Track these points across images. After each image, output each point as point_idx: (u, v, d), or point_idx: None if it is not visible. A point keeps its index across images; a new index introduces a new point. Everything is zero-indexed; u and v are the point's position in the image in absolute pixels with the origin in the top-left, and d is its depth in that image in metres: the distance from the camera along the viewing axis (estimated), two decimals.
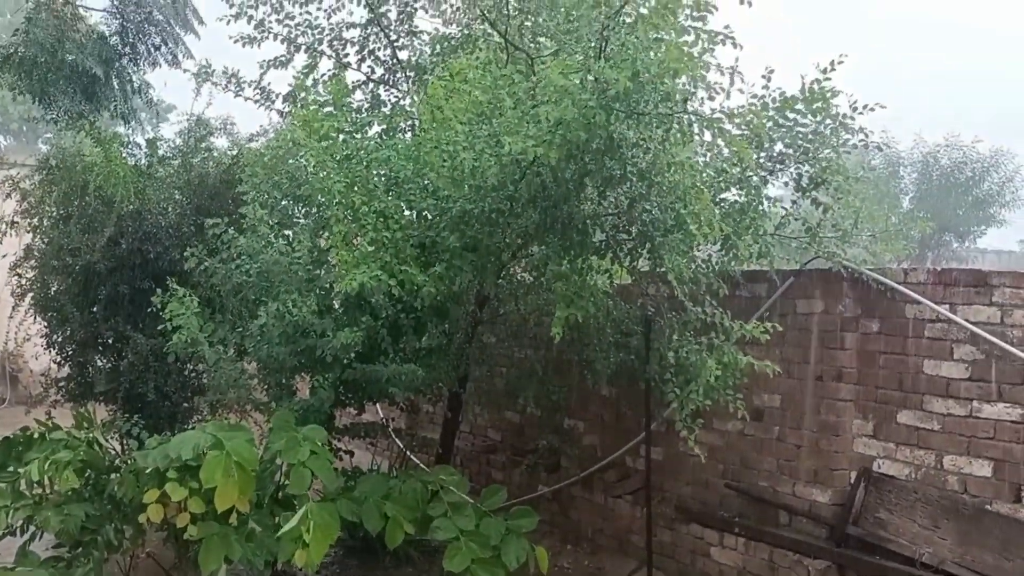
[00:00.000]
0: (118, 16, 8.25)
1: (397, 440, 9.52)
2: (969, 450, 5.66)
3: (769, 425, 6.75)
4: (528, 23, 6.20)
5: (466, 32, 6.87)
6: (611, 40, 4.77)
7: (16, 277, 8.66)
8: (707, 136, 5.10)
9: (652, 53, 4.58)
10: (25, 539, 6.20)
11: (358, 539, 7.33)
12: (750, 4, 4.78)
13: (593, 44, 4.84)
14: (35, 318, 8.68)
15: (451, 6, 7.10)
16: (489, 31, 6.15)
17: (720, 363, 5.62)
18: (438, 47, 6.96)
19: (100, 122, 8.45)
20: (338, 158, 5.65)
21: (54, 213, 8.49)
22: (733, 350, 5.77)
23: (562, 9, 5.40)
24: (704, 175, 5.14)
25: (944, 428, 5.79)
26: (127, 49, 8.29)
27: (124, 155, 8.38)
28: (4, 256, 8.85)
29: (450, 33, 7.10)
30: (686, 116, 4.85)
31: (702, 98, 5.11)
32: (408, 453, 9.40)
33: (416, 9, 7.27)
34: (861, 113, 5.58)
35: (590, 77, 4.59)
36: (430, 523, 6.19)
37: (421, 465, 8.72)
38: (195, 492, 5.58)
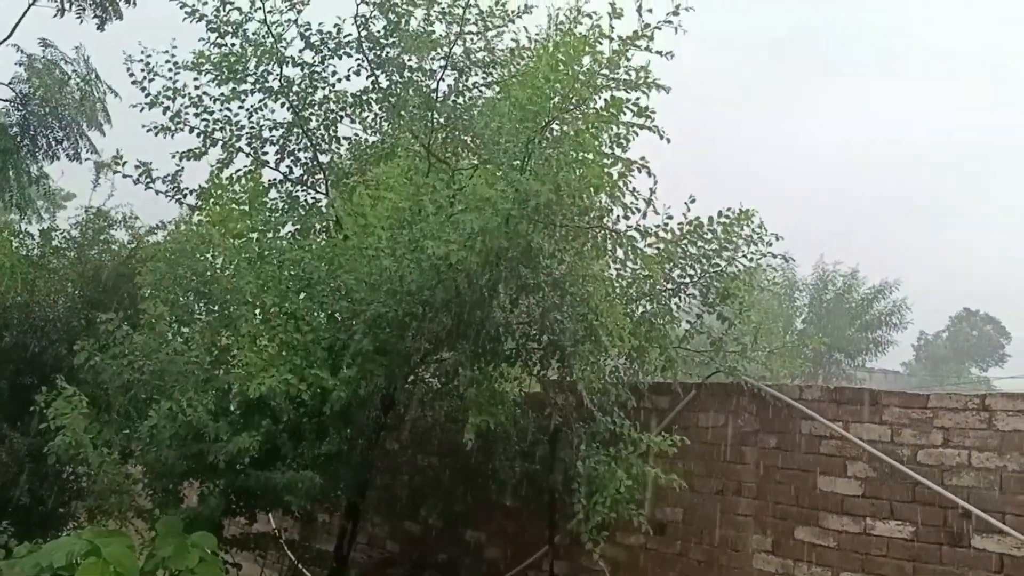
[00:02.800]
0: (20, 108, 8.06)
1: (289, 553, 9.04)
2: (864, 567, 5.77)
3: (671, 539, 6.75)
4: (449, 137, 6.37)
5: (388, 141, 6.98)
6: (535, 155, 4.95)
7: None
8: (620, 252, 5.28)
9: (573, 170, 4.77)
10: None
11: None
12: (668, 140, 5.11)
13: (517, 157, 5.00)
14: None
15: (373, 114, 7.22)
16: (411, 140, 6.28)
17: (629, 475, 5.64)
18: (359, 153, 7.04)
19: None
20: (251, 257, 5.56)
21: None
22: (640, 462, 5.81)
23: (491, 125, 5.58)
24: (616, 287, 5.29)
25: (840, 545, 5.91)
26: (27, 141, 8.07)
27: (15, 245, 8.03)
28: None
29: (372, 140, 7.21)
30: (602, 231, 5.02)
31: (617, 216, 5.32)
32: (300, 566, 8.91)
33: (340, 117, 7.36)
34: (770, 244, 5.96)
35: (512, 188, 4.73)
36: None
37: None
38: None
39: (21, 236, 8.37)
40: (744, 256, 5.97)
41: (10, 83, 8.08)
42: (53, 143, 8.42)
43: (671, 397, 6.81)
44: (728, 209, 5.76)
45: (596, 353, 5.26)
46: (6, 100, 8.09)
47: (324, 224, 7.02)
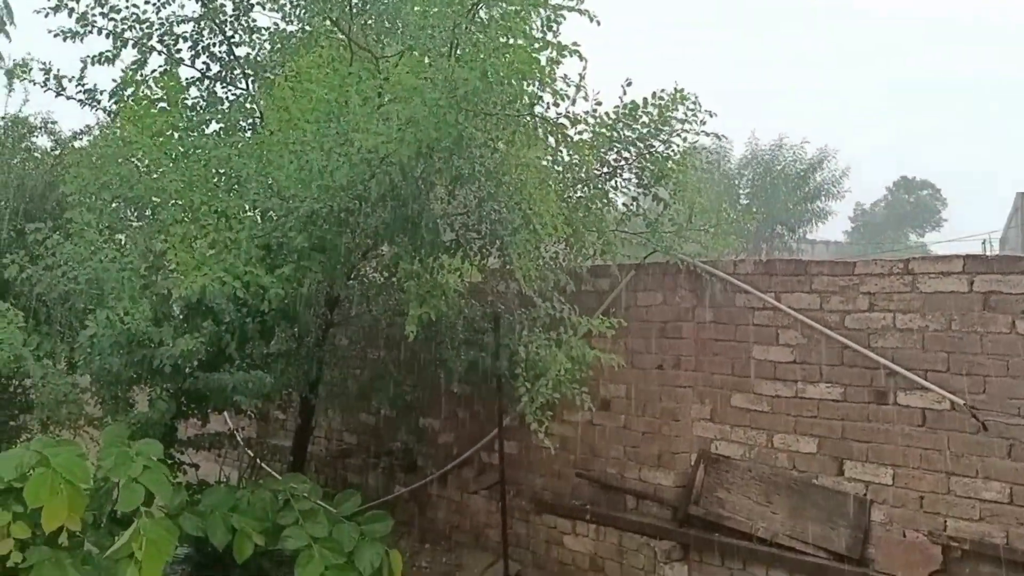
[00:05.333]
0: None
1: (247, 450, 9.20)
2: (796, 428, 6.10)
3: (616, 414, 7.03)
4: (372, 23, 6.15)
5: (307, 29, 6.72)
6: (462, 41, 4.83)
7: None
8: (551, 140, 5.25)
9: (502, 56, 4.67)
10: None
11: (206, 554, 7.03)
12: (599, 23, 5.00)
13: (444, 44, 4.88)
14: None
15: (289, 2, 6.91)
16: (332, 29, 6.06)
17: (569, 357, 5.80)
18: (278, 44, 6.77)
19: None
20: (174, 156, 5.41)
21: None
22: (581, 344, 5.97)
23: (415, 8, 5.40)
24: (550, 175, 5.29)
25: (773, 409, 6.21)
26: None
27: None
28: None
29: (290, 30, 6.92)
30: (532, 119, 4.98)
31: (548, 103, 5.26)
32: (259, 462, 9.10)
33: (253, 4, 7.02)
34: (703, 122, 5.96)
35: (440, 76, 4.63)
36: (280, 533, 6.04)
37: (273, 474, 8.47)
38: (20, 516, 5.19)
39: None
40: (678, 136, 5.98)
41: None
42: None
43: (610, 279, 6.95)
44: (662, 90, 5.73)
45: (533, 241, 5.30)
46: None
47: (250, 121, 6.82)
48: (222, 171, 5.71)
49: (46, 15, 6.81)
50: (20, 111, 8.25)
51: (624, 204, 6.56)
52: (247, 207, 5.77)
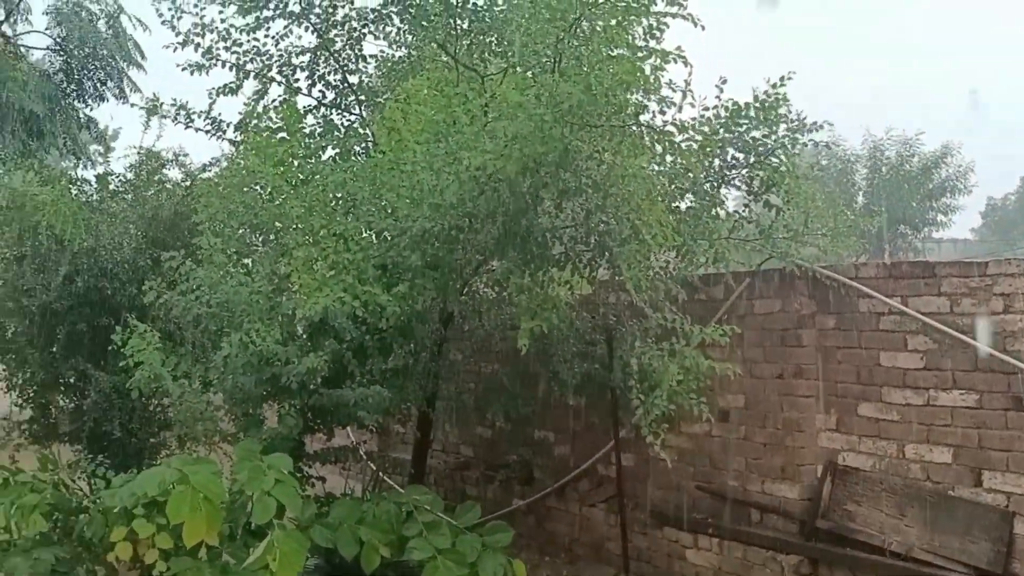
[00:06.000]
0: (61, 53, 8.15)
1: (370, 463, 9.47)
2: (929, 438, 5.80)
3: (735, 425, 6.86)
4: (476, 43, 6.27)
5: (414, 54, 6.91)
6: (565, 55, 4.87)
7: None
8: (658, 148, 5.20)
9: (606, 68, 4.68)
10: None
11: (335, 565, 7.27)
12: (703, 27, 4.94)
13: (547, 59, 4.93)
14: None
15: (397, 29, 7.13)
16: (438, 52, 6.21)
17: (682, 368, 5.71)
18: (387, 70, 6.99)
19: (49, 159, 8.35)
20: (294, 183, 5.66)
21: (7, 255, 8.36)
22: (694, 354, 5.86)
23: (518, 26, 5.47)
24: (657, 185, 5.24)
25: (903, 418, 5.93)
26: (72, 86, 8.18)
27: (74, 192, 8.29)
28: None
29: (398, 56, 7.14)
30: (638, 128, 4.95)
31: (654, 112, 5.23)
32: (381, 475, 9.35)
33: (364, 34, 7.29)
34: (810, 131, 5.76)
35: (544, 91, 4.68)
36: (405, 544, 6.17)
37: (395, 486, 8.69)
38: (163, 528, 5.50)
39: (79, 183, 8.59)
40: (786, 141, 5.80)
41: (46, 29, 8.15)
42: (98, 85, 8.50)
43: (724, 288, 6.80)
44: (765, 91, 5.57)
45: (642, 251, 5.25)
46: (45, 48, 8.19)
47: (363, 145, 7.06)
48: (339, 195, 5.93)
49: (174, 50, 7.27)
50: (154, 145, 8.81)
51: (736, 211, 6.42)
52: (363, 229, 5.96)
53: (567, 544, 8.21)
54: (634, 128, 5.00)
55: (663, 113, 5.24)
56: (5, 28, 7.94)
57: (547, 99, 4.68)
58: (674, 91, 5.23)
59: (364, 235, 5.98)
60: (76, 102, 8.39)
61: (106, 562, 5.81)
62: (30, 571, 5.80)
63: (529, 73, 4.97)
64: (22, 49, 8.14)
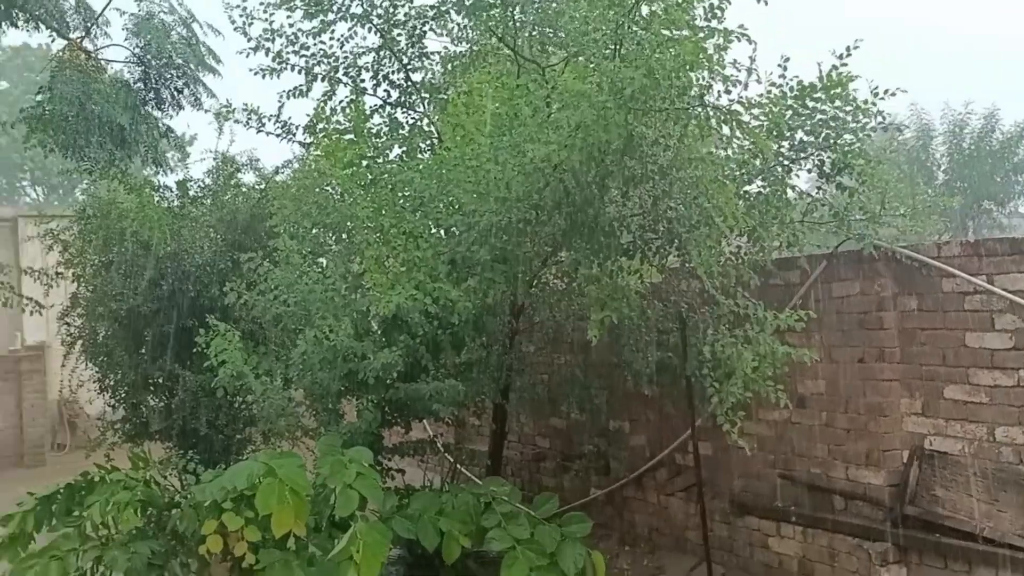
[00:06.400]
0: (139, 64, 8.43)
1: (448, 456, 9.59)
2: (1021, 420, 5.57)
3: (816, 411, 6.71)
4: (536, 33, 6.25)
5: (475, 48, 6.94)
6: (626, 40, 4.81)
7: (65, 326, 8.90)
8: (725, 130, 5.10)
9: (667, 50, 4.60)
10: None
11: (417, 556, 7.39)
12: (766, 2, 4.82)
13: (607, 45, 4.88)
14: (86, 364, 8.91)
15: (457, 25, 7.17)
16: (498, 45, 6.21)
17: (757, 355, 5.60)
18: (449, 66, 7.04)
19: (131, 168, 8.66)
20: (363, 183, 5.75)
21: (95, 261, 8.73)
22: (770, 340, 5.75)
23: (576, 13, 5.43)
24: (726, 168, 5.14)
25: (993, 400, 5.71)
26: (151, 95, 8.46)
27: (156, 199, 8.59)
28: (52, 306, 9.10)
29: (459, 51, 7.18)
30: (703, 110, 4.86)
31: (719, 92, 5.12)
32: (459, 467, 9.46)
33: (424, 32, 7.36)
34: (882, 98, 5.53)
35: (606, 79, 4.64)
36: (485, 535, 6.24)
37: (473, 478, 8.78)
38: (251, 521, 5.68)
39: (160, 189, 8.91)
40: (855, 118, 5.59)
41: (125, 40, 8.44)
42: (175, 92, 8.76)
43: (800, 271, 6.65)
44: (833, 67, 5.38)
45: (713, 237, 5.16)
46: (123, 60, 8.49)
47: (428, 142, 7.13)
48: (406, 193, 5.99)
49: (247, 55, 7.47)
50: (228, 150, 9.06)
51: (808, 193, 6.23)
52: (432, 225, 6.03)
53: (646, 534, 8.17)
54: (699, 110, 4.90)
55: (728, 93, 5.12)
56: (86, 43, 8.22)
57: (609, 86, 4.64)
58: (738, 70, 5.10)
59: (433, 232, 6.04)
60: (155, 110, 8.65)
61: (198, 555, 6.04)
62: (128, 564, 6.07)
63: (590, 63, 4.92)
64: (103, 62, 8.42)
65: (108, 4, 8.60)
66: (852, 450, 6.47)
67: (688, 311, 6.56)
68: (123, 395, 8.85)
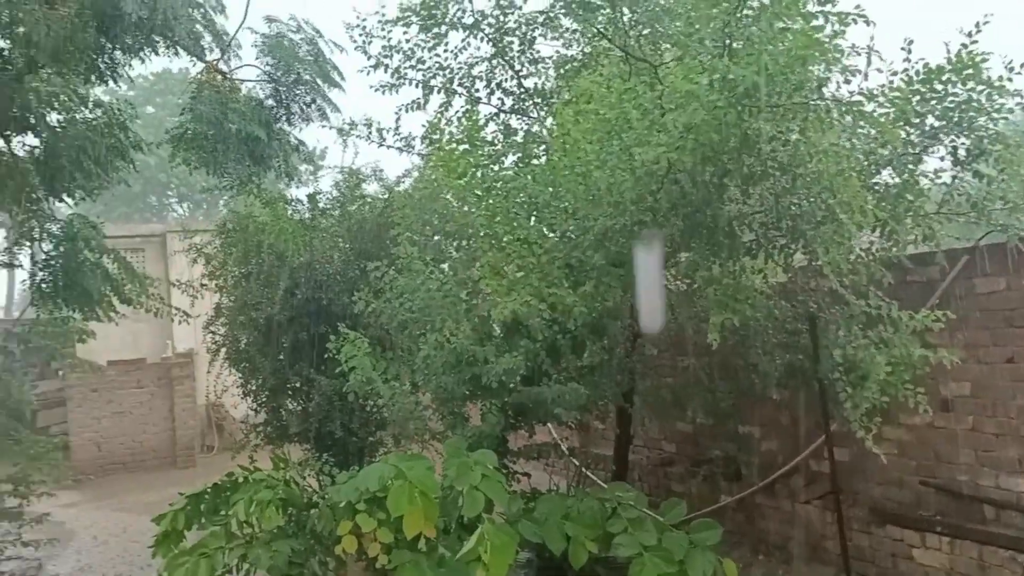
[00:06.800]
0: (270, 81, 8.83)
1: (574, 459, 9.56)
2: None
3: (961, 415, 6.28)
4: (647, 32, 6.13)
5: (587, 51, 6.90)
6: (735, 36, 4.65)
7: (210, 334, 9.46)
8: (848, 120, 4.83)
9: (779, 44, 4.41)
10: None
11: (545, 559, 7.41)
12: None
13: (716, 43, 4.73)
14: (229, 370, 9.43)
15: (568, 29, 7.15)
16: (610, 47, 6.14)
17: (892, 358, 5.28)
18: (561, 70, 7.03)
19: (266, 182, 9.09)
20: (479, 192, 5.81)
21: (235, 272, 9.23)
22: (906, 342, 5.41)
23: (680, 12, 5.30)
24: (851, 160, 4.86)
25: None
26: (282, 111, 8.86)
27: (289, 212, 8.99)
28: (198, 316, 9.69)
29: (571, 55, 7.15)
30: (822, 103, 4.63)
31: (838, 82, 4.86)
32: (585, 471, 9.41)
33: (535, 37, 7.39)
34: (1019, 73, 5.07)
35: (716, 76, 4.49)
36: (611, 540, 6.18)
37: (599, 482, 8.72)
38: (384, 522, 5.85)
39: (292, 202, 9.33)
40: (990, 104, 5.15)
41: (256, 59, 8.87)
42: (303, 108, 9.12)
43: (938, 267, 6.23)
44: (964, 46, 4.98)
45: (841, 233, 4.89)
46: (255, 79, 8.90)
47: (543, 148, 7.13)
48: (520, 199, 6.01)
49: (367, 73, 7.72)
50: (353, 162, 9.40)
51: (943, 182, 5.81)
52: (546, 231, 6.02)
53: (781, 543, 7.87)
54: (818, 103, 4.66)
55: (848, 83, 4.85)
56: (221, 65, 8.70)
57: (719, 84, 4.48)
58: (858, 54, 4.82)
59: (548, 236, 6.03)
60: (286, 126, 9.05)
61: (335, 554, 6.27)
62: (270, 562, 6.36)
63: (698, 60, 4.77)
64: (237, 82, 8.88)
65: (241, 26, 9.06)
66: (1003, 456, 6.01)
67: (818, 311, 6.27)
68: (264, 399, 9.31)
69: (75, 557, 10.45)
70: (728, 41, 4.68)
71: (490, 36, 7.29)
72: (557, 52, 7.38)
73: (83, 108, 8.42)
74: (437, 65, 7.60)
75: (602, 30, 5.96)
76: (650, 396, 7.63)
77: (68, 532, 11.53)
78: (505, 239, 5.63)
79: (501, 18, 7.29)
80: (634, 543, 6.05)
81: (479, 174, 6.04)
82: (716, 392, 7.31)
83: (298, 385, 8.99)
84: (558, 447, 8.64)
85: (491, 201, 5.80)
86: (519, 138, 7.42)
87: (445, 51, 7.55)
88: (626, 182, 5.04)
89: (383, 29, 7.49)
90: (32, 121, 8.04)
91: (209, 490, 6.98)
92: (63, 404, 16.43)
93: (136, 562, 9.74)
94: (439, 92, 7.64)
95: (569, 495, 7.06)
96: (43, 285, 8.38)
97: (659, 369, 7.64)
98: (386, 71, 7.63)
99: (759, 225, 5.71)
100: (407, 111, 7.79)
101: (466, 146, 6.16)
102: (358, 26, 7.53)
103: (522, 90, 7.60)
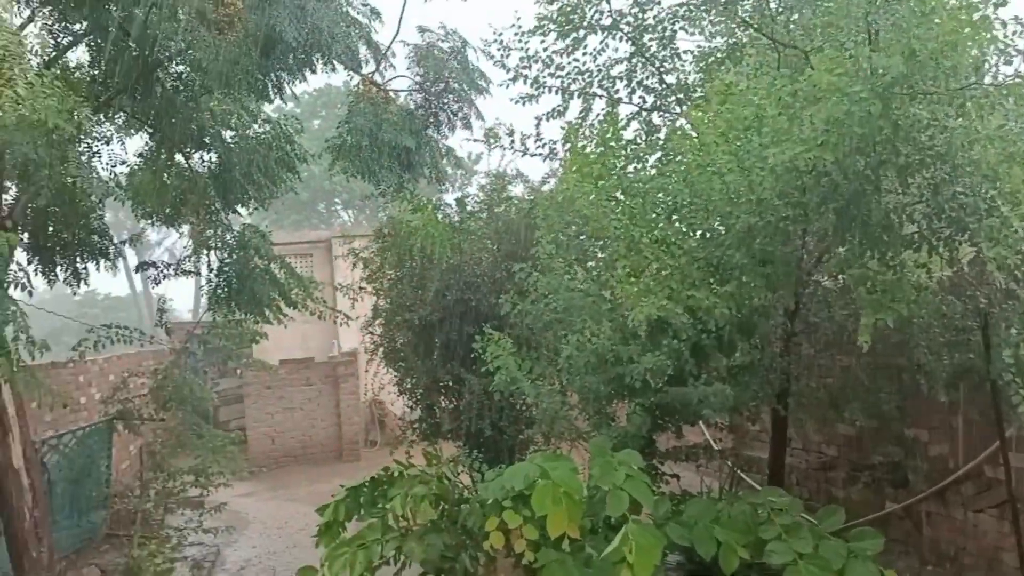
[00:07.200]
0: (421, 91, 9.13)
1: (728, 461, 9.31)
2: None
3: None
4: (795, 18, 5.88)
5: (731, 41, 6.69)
6: (881, 25, 4.37)
7: (368, 335, 9.90)
8: (1011, 103, 4.44)
9: (927, 28, 4.11)
10: (397, 569, 6.95)
11: (696, 564, 7.26)
12: None
13: (860, 33, 4.47)
14: (387, 369, 9.84)
15: (711, 22, 6.96)
16: (756, 35, 5.93)
17: None
18: (703, 64, 6.86)
19: (418, 188, 9.42)
20: (616, 195, 5.77)
21: (391, 275, 9.61)
22: None
23: (820, 3, 5.05)
24: (1017, 143, 4.45)
25: None
26: (431, 119, 9.14)
27: (439, 216, 9.26)
28: (357, 318, 10.17)
29: (714, 47, 6.97)
30: (980, 87, 4.27)
31: (995, 64, 4.47)
32: (740, 474, 9.15)
33: (675, 32, 7.24)
34: None
35: (863, 65, 4.24)
36: (763, 546, 5.98)
37: (754, 485, 8.45)
38: (529, 520, 5.93)
39: (442, 207, 9.61)
40: None
41: (407, 70, 9.20)
42: (451, 116, 9.37)
43: None
44: None
45: (1007, 225, 4.50)
46: (407, 89, 9.23)
47: (687, 143, 6.98)
48: (660, 198, 5.92)
49: (507, 87, 7.86)
50: (499, 166, 9.57)
51: None
52: (685, 231, 5.89)
53: (952, 553, 7.34)
54: (975, 86, 4.30)
55: (1008, 63, 4.45)
56: (376, 77, 9.07)
57: (864, 75, 4.22)
58: (1022, 24, 4.40)
59: (689, 236, 5.91)
60: (435, 133, 9.33)
61: (484, 550, 6.41)
62: (424, 555, 6.59)
63: (841, 49, 4.51)
64: (391, 93, 9.24)
65: (395, 38, 9.41)
66: None
67: (988, 307, 5.79)
68: (418, 397, 9.65)
69: (249, 544, 11.15)
70: (873, 30, 4.41)
71: (629, 35, 7.21)
72: (698, 46, 7.22)
73: (253, 125, 9.01)
74: (576, 70, 7.60)
75: (747, 19, 5.74)
76: (805, 397, 7.31)
77: (244, 521, 12.29)
78: (643, 241, 5.55)
79: (640, 16, 7.20)
80: (788, 550, 5.82)
81: (616, 176, 5.99)
82: (879, 393, 6.91)
83: (450, 383, 9.26)
84: (709, 448, 8.44)
85: (629, 203, 5.74)
86: (660, 135, 7.30)
87: (584, 54, 7.54)
88: (766, 180, 4.85)
89: (520, 40, 7.58)
90: (208, 139, 8.70)
91: (367, 484, 7.30)
92: (241, 400, 17.66)
93: (305, 550, 10.30)
94: (578, 97, 7.64)
95: (719, 499, 6.89)
96: (218, 290, 9.04)
97: (816, 369, 7.28)
98: (525, 82, 7.72)
99: (921, 216, 5.34)
100: (547, 119, 7.86)
101: (602, 149, 6.12)
102: (495, 41, 7.67)
103: (664, 86, 7.48)
